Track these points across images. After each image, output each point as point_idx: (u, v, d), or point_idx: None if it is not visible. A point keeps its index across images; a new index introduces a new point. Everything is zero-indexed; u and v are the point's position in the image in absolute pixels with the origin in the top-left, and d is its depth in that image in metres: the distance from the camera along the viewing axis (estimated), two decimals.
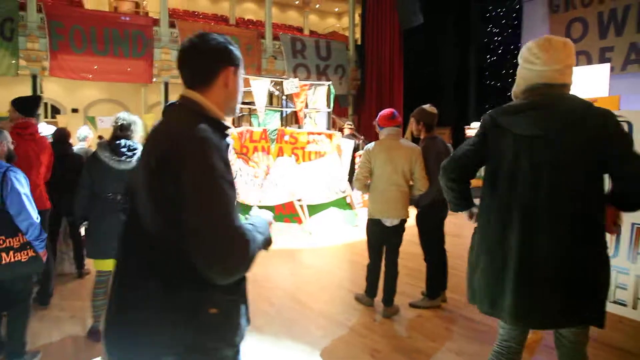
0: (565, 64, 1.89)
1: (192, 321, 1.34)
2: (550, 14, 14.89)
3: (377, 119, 4.07)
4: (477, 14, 18.60)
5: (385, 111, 4.06)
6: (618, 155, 1.81)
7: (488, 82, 18.90)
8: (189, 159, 1.26)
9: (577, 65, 2.12)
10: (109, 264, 3.46)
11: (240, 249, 1.26)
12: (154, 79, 14.73)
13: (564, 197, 1.82)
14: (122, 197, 3.40)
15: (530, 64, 1.93)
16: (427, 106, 4.22)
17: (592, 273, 1.85)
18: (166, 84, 15.02)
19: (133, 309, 1.36)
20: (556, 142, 1.81)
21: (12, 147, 3.13)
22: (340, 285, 4.99)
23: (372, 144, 4.02)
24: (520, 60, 1.99)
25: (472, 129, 15.10)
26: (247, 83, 7.88)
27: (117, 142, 3.40)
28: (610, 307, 2.96)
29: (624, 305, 3.43)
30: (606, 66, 6.58)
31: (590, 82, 4.68)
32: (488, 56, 18.87)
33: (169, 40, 14.92)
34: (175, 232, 1.28)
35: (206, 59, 1.44)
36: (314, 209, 7.79)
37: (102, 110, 16.98)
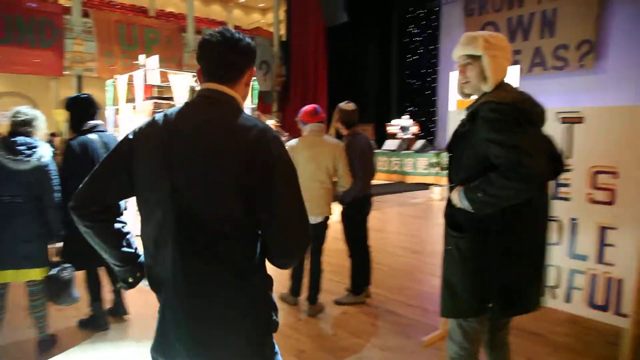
0: None
1: (265, 304, 1.45)
2: (466, 17, 15.69)
3: (299, 115, 3.96)
4: (399, 14, 19.17)
5: (308, 107, 3.96)
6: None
7: (408, 80, 19.58)
8: (276, 155, 1.35)
9: None
10: (5, 276, 3.09)
11: (309, 237, 1.50)
12: (65, 72, 13.71)
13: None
14: (23, 200, 3.08)
15: (509, 55, 1.97)
16: (342, 104, 4.17)
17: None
18: (79, 77, 14.04)
19: (211, 304, 1.37)
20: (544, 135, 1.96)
21: None
22: None
23: (295, 140, 3.95)
24: (495, 49, 1.92)
25: (394, 126, 15.54)
26: (165, 78, 7.54)
27: (14, 139, 3.06)
28: None
29: None
30: (516, 68, 7.00)
31: None
32: (409, 56, 19.53)
33: (82, 30, 13.93)
34: (249, 221, 1.36)
35: (239, 57, 1.46)
36: None
37: (6, 105, 15.34)
